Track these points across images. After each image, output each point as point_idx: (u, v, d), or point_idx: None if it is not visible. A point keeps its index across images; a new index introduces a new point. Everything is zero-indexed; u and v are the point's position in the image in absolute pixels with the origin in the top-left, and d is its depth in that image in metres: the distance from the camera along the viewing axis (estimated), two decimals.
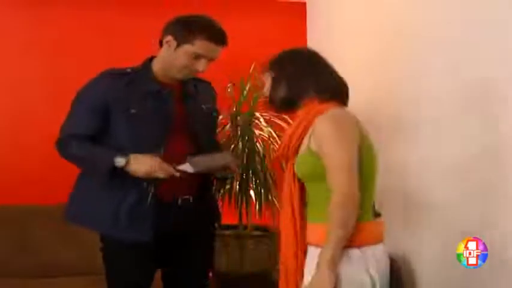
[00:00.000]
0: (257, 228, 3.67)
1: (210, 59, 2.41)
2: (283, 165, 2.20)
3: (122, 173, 2.32)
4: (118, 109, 2.37)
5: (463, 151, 2.39)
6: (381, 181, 2.12)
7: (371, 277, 1.94)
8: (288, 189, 2.09)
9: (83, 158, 2.40)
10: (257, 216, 3.58)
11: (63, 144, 2.42)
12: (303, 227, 2.04)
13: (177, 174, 2.35)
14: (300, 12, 4.24)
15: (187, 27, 2.37)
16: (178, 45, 2.38)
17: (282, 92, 2.11)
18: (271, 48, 3.97)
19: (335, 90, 2.11)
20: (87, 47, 3.88)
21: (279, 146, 2.20)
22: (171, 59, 2.41)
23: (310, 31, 4.21)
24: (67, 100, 2.47)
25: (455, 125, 2.44)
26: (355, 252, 1.93)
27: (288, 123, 3.44)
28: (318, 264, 1.88)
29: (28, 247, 3.49)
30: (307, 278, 1.95)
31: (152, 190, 2.36)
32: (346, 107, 2.13)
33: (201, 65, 2.40)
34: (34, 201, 3.65)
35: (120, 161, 2.31)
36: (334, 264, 1.87)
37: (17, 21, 3.86)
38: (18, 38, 3.85)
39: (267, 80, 2.17)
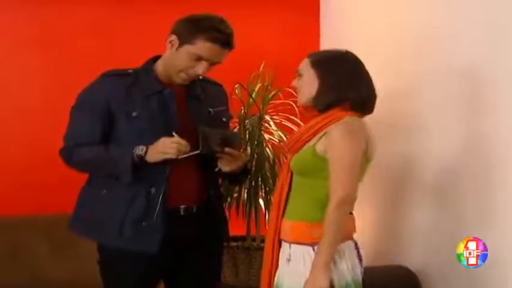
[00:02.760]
0: None
1: (213, 63, 2.34)
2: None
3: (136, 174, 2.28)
4: (120, 112, 2.35)
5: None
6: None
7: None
8: (281, 181, 2.27)
9: (97, 159, 2.35)
10: (266, 227, 3.42)
11: (69, 153, 2.39)
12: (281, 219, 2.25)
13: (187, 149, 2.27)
14: (313, 8, 4.14)
15: (190, 27, 2.32)
16: (180, 45, 2.33)
17: (330, 96, 2.18)
18: (282, 46, 3.94)
19: (368, 101, 2.22)
20: (85, 45, 3.79)
21: (290, 137, 2.35)
22: (172, 59, 2.36)
23: (324, 28, 4.13)
24: (62, 107, 2.45)
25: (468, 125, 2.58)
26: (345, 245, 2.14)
27: (299, 127, 3.41)
28: (313, 267, 2.05)
29: (19, 260, 3.39)
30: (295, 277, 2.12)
31: (161, 197, 2.31)
32: (368, 114, 2.25)
33: (200, 68, 2.33)
34: (26, 211, 3.54)
35: (141, 149, 2.26)
36: (328, 267, 2.05)
37: (15, 18, 3.77)
38: (15, 36, 3.76)
39: (307, 76, 2.21)
